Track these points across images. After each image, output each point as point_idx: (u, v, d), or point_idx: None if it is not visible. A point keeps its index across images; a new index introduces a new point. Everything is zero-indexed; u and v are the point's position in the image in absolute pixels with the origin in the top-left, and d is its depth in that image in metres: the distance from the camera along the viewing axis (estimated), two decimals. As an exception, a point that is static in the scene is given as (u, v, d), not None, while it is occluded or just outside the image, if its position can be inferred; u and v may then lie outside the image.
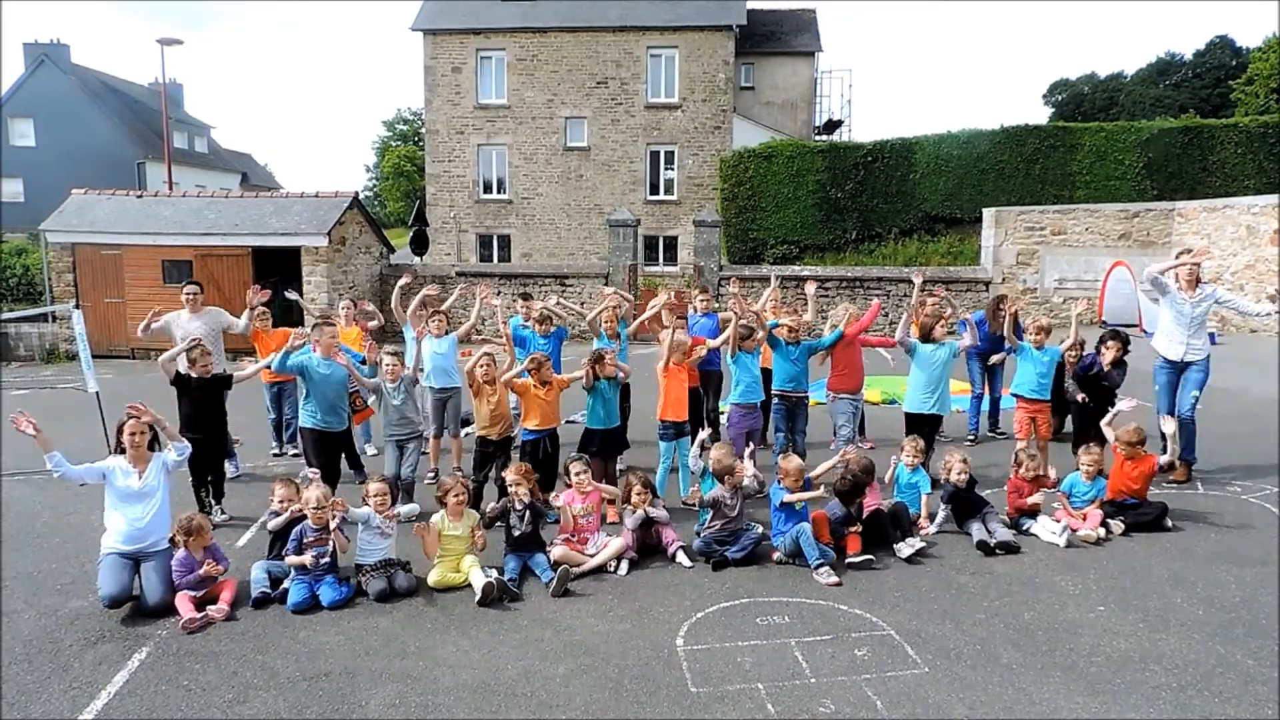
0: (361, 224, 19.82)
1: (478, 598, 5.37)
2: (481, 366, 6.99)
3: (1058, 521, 6.40)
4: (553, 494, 6.86)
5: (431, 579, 5.62)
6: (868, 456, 6.53)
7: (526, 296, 10.25)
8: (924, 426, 7.53)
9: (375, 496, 5.76)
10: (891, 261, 23.07)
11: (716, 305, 9.90)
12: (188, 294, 8.62)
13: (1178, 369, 7.76)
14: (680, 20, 27.78)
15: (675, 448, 7.29)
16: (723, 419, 9.26)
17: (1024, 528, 6.47)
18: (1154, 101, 46.88)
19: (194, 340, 7.36)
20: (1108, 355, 7.73)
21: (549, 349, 8.06)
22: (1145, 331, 16.97)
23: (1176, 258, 7.91)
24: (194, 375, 7.08)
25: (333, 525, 5.56)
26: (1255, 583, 5.52)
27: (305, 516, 5.62)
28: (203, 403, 7.05)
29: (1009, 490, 6.71)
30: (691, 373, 7.69)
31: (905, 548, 6.01)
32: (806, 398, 7.77)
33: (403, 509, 6.11)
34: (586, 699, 4.30)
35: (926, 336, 7.60)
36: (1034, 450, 7.03)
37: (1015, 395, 7.81)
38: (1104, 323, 17.05)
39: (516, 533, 5.91)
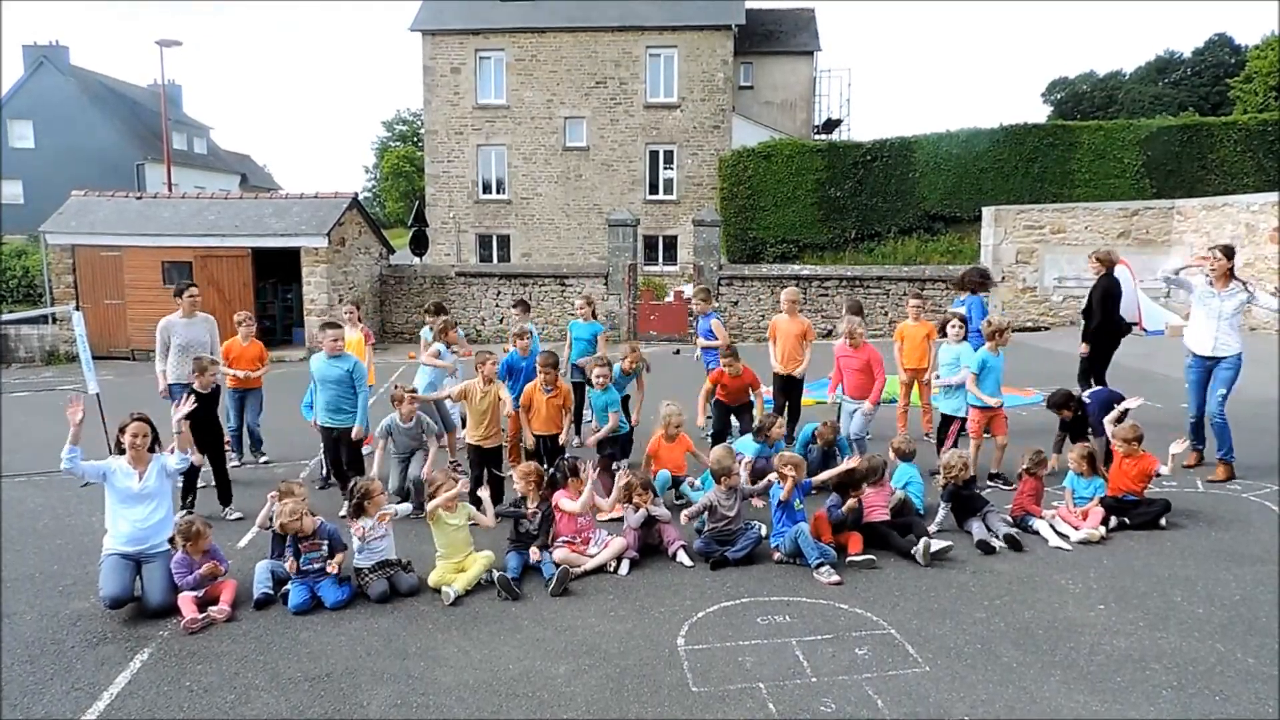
0: (361, 224, 19.83)
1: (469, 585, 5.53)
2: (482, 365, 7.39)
3: (1071, 531, 6.32)
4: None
5: (432, 579, 5.63)
6: (879, 456, 6.61)
7: (524, 306, 10.19)
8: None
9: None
10: (891, 260, 23.09)
11: (715, 305, 9.90)
12: (191, 296, 8.41)
13: (1207, 365, 7.71)
14: (679, 20, 27.77)
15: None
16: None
17: (1029, 525, 6.46)
18: (1153, 99, 46.95)
19: (201, 356, 7.54)
20: (1064, 415, 7.70)
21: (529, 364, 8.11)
22: (1145, 330, 16.96)
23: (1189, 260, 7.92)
24: (197, 389, 7.09)
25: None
26: (1255, 581, 5.52)
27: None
28: (204, 415, 7.07)
29: (1019, 490, 6.70)
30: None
31: (921, 554, 5.85)
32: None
33: (399, 508, 6.11)
34: (588, 699, 4.31)
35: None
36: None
37: (970, 405, 7.72)
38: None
39: (523, 529, 5.91)
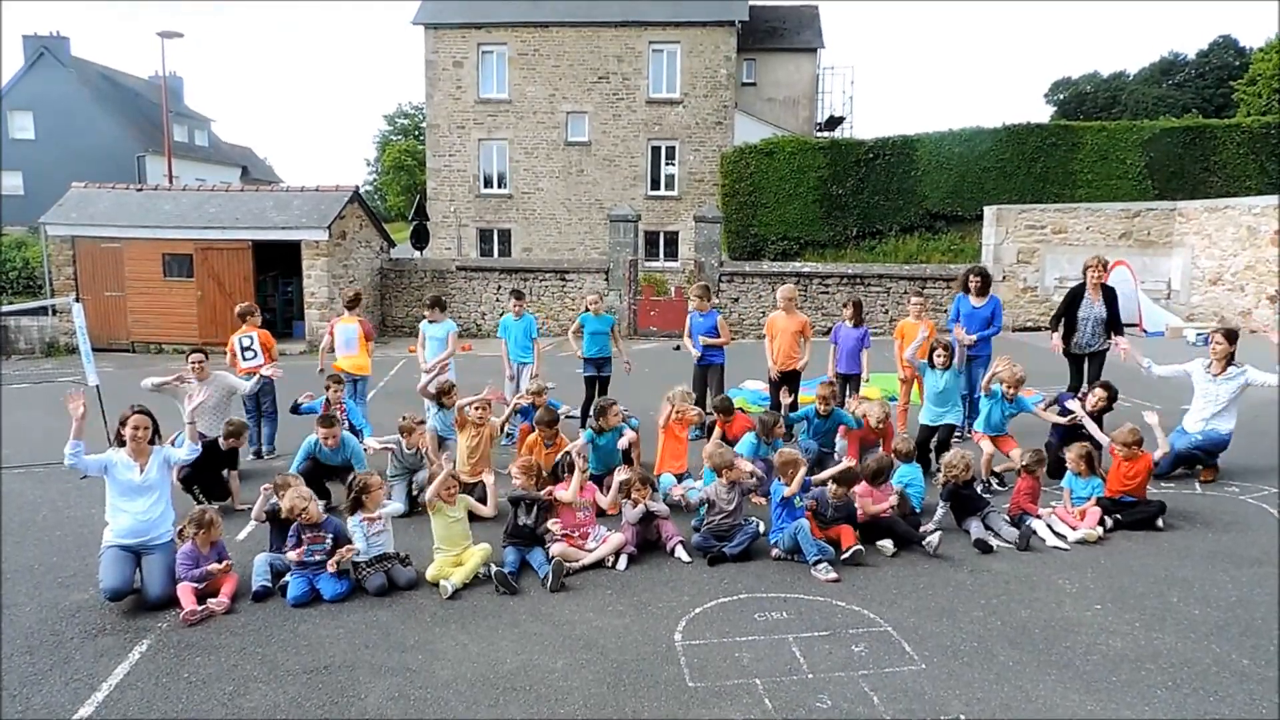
0: (362, 218, 19.82)
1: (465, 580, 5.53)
2: (475, 409, 7.50)
3: (1069, 531, 6.34)
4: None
5: (430, 573, 5.65)
6: (886, 456, 6.64)
7: (518, 295, 10.27)
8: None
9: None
10: (892, 258, 23.10)
11: (714, 303, 9.92)
12: (193, 362, 8.14)
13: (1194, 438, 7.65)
14: (682, 16, 27.73)
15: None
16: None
17: (1026, 525, 6.46)
18: (1156, 101, 46.83)
19: (232, 421, 7.59)
20: (1092, 400, 7.63)
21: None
22: (1145, 331, 17.01)
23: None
24: (221, 447, 7.28)
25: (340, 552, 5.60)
26: (1252, 582, 5.53)
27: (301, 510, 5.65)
28: (212, 466, 7.26)
29: (1016, 490, 6.70)
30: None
31: (934, 539, 5.94)
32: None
33: (389, 508, 6.11)
34: (585, 693, 4.32)
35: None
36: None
37: (975, 431, 7.92)
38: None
39: (521, 522, 5.93)
